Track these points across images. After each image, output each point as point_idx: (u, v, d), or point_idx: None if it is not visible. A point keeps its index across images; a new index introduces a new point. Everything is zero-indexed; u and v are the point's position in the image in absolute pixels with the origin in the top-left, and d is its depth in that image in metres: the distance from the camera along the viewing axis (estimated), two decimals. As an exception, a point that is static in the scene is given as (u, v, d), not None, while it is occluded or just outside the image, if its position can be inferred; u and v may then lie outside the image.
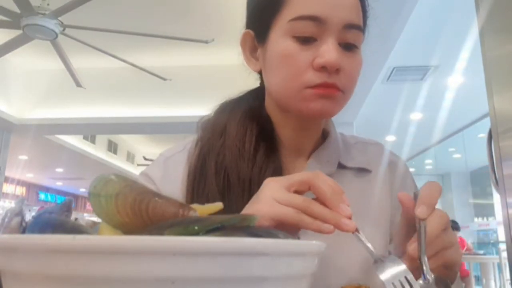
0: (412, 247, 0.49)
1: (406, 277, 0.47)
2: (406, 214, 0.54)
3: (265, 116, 0.73)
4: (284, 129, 0.72)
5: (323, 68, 0.62)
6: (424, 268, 0.46)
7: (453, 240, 0.52)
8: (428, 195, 0.51)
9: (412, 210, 0.51)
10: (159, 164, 0.75)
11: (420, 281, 0.46)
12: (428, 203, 0.50)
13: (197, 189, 0.67)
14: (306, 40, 0.62)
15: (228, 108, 0.74)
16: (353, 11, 0.63)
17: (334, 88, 0.63)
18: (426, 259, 0.47)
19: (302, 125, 0.72)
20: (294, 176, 0.53)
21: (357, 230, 0.49)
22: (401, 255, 0.52)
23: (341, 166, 0.73)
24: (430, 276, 0.46)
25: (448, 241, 0.51)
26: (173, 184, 0.70)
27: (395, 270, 0.48)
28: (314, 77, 0.62)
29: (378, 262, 0.48)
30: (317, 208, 0.49)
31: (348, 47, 0.64)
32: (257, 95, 0.76)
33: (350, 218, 0.49)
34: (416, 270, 0.47)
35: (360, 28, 0.65)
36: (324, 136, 0.77)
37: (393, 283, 0.47)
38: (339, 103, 0.65)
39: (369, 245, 0.49)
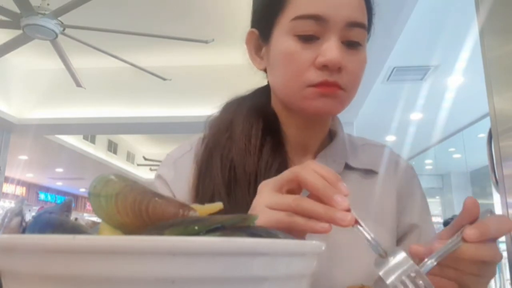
0: (436, 244, 0.45)
1: (411, 274, 0.42)
2: (461, 219, 0.48)
3: (271, 113, 0.73)
4: (289, 127, 0.72)
5: (324, 67, 0.62)
6: (425, 266, 0.44)
7: (485, 274, 0.47)
8: (491, 226, 0.45)
9: (468, 219, 0.46)
10: (169, 165, 0.76)
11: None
12: (484, 233, 0.44)
13: (203, 183, 0.67)
14: (308, 39, 0.63)
15: (234, 105, 0.74)
16: (356, 9, 0.63)
17: (335, 86, 0.63)
18: (432, 262, 0.44)
19: (307, 123, 0.72)
20: (283, 175, 0.50)
21: (357, 222, 0.44)
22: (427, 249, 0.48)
23: (347, 167, 0.73)
24: (423, 274, 0.43)
25: (477, 271, 0.46)
26: (184, 184, 0.70)
27: (398, 266, 0.43)
28: (315, 76, 0.62)
29: (381, 257, 0.44)
30: (308, 204, 0.45)
31: (352, 45, 0.64)
32: (264, 93, 0.76)
33: (348, 210, 0.44)
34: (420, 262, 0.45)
35: (363, 26, 0.64)
36: (331, 136, 0.77)
37: (397, 282, 0.42)
38: (341, 101, 0.65)
39: (371, 238, 0.45)
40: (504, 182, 1.60)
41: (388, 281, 0.43)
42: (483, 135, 1.78)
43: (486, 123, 1.77)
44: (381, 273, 0.43)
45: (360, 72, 0.66)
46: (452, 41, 4.18)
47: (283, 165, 0.67)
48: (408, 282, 0.43)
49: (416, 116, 6.57)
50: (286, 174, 0.49)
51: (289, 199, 0.47)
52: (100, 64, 5.32)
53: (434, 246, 0.45)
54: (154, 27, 4.27)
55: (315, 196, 0.46)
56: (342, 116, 0.74)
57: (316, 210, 0.44)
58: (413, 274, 0.43)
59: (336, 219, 0.43)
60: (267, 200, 0.48)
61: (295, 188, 0.49)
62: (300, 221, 0.45)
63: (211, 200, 0.64)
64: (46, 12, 3.46)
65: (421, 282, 0.43)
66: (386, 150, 0.80)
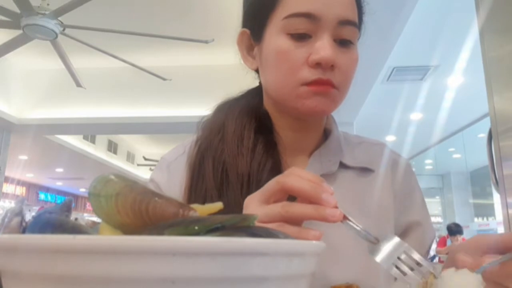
0: (488, 260, 0.42)
1: (406, 252, 0.44)
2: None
3: (263, 113, 0.72)
4: (282, 128, 0.72)
5: (317, 65, 0.61)
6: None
7: None
8: None
9: None
10: (162, 169, 0.76)
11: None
12: None
13: (195, 185, 0.67)
14: (301, 37, 0.62)
15: (226, 107, 0.74)
16: (347, 7, 0.63)
17: (328, 85, 0.62)
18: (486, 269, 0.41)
19: (301, 125, 0.71)
20: (269, 186, 0.50)
21: (345, 217, 0.46)
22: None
23: (343, 166, 0.72)
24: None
25: None
26: (177, 187, 0.70)
27: (392, 248, 0.45)
28: (309, 74, 0.62)
29: (373, 244, 0.46)
30: (297, 209, 0.46)
31: (344, 43, 0.64)
32: (256, 93, 0.76)
33: (335, 207, 0.45)
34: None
35: (355, 24, 0.64)
36: (326, 135, 0.76)
37: (394, 264, 0.43)
38: (334, 100, 0.65)
39: (360, 229, 0.46)
40: (504, 182, 1.60)
41: (386, 266, 0.45)
42: (483, 135, 1.78)
43: (486, 123, 1.77)
44: (377, 259, 0.45)
45: (352, 71, 0.66)
46: (452, 41, 4.19)
47: (276, 166, 0.66)
48: (404, 263, 0.44)
49: (416, 116, 6.57)
50: (271, 185, 0.49)
51: (277, 209, 0.47)
52: (100, 64, 5.32)
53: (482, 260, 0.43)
54: (154, 27, 4.27)
55: (302, 200, 0.47)
56: (342, 116, 0.74)
57: (306, 211, 0.46)
58: (409, 252, 0.44)
59: (326, 216, 0.45)
60: (256, 213, 0.49)
61: (281, 198, 0.49)
62: (291, 231, 0.46)
63: (203, 203, 0.64)
64: (46, 12, 3.46)
65: (417, 261, 0.44)
66: (383, 148, 0.79)
